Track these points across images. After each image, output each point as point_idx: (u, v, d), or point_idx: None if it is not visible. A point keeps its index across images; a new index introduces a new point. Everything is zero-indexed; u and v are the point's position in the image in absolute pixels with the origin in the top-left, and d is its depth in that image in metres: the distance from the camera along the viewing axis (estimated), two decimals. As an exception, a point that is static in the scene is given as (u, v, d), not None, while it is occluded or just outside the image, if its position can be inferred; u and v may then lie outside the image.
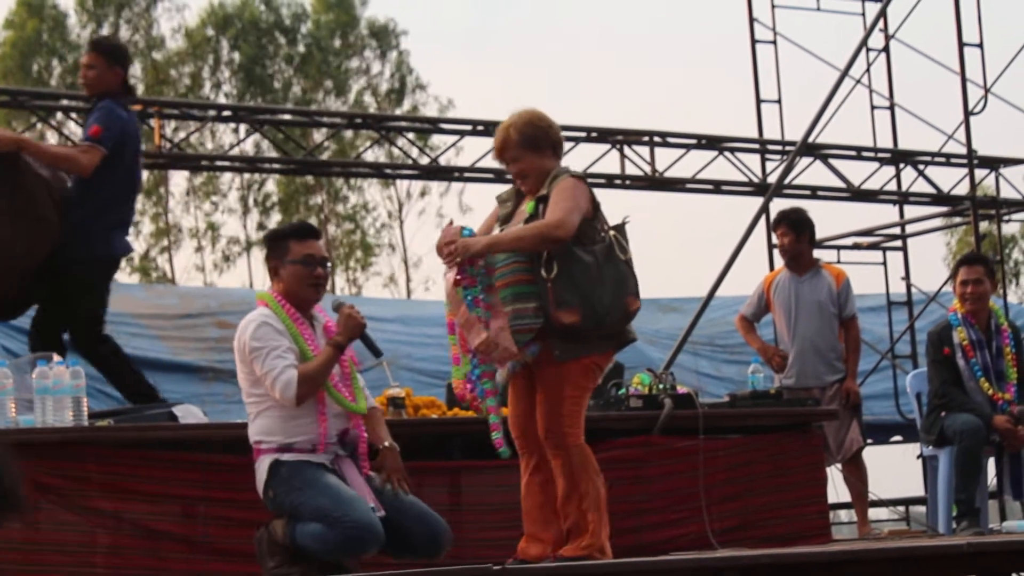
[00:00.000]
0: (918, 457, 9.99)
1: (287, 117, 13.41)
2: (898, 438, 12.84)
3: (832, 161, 12.90)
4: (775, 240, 9.08)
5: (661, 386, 6.99)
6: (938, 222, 13.73)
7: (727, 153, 12.64)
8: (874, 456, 11.43)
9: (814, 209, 9.06)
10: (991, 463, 8.18)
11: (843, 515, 14.66)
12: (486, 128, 11.50)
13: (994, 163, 13.30)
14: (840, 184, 12.94)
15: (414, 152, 13.37)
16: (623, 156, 12.32)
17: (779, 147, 12.61)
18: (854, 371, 8.69)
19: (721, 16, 53.72)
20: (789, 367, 8.60)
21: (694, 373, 12.00)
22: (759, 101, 12.58)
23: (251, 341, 5.37)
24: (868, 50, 12.40)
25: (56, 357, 5.88)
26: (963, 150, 12.24)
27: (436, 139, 20.69)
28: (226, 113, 13.00)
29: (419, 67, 35.83)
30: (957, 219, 13.86)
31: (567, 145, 12.13)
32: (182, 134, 12.41)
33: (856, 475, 8.61)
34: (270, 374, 5.30)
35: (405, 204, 34.43)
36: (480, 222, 5.84)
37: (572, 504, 5.49)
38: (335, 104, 34.08)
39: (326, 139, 19.11)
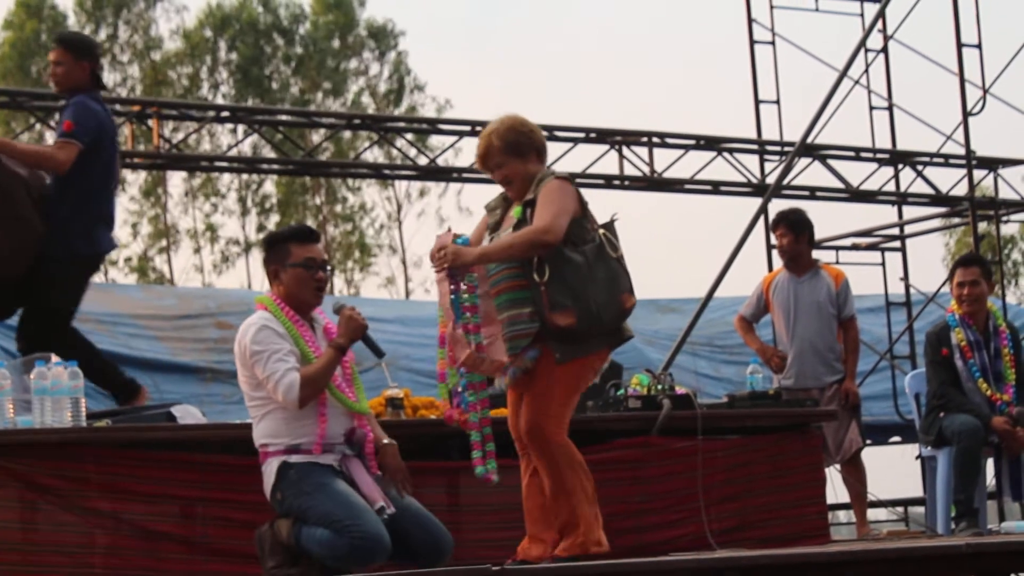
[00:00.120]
0: (917, 458, 9.99)
1: (285, 118, 13.40)
2: (897, 439, 12.85)
3: (831, 162, 12.90)
4: (774, 241, 9.08)
5: (660, 387, 6.99)
6: (937, 223, 13.74)
7: (726, 154, 12.64)
8: (873, 457, 11.44)
9: (813, 210, 9.07)
10: (990, 464, 8.18)
11: (842, 516, 14.67)
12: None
13: (993, 164, 13.30)
14: (839, 185, 12.94)
15: (412, 153, 13.37)
16: (622, 157, 12.32)
17: (778, 148, 12.61)
18: (853, 372, 8.69)
19: (720, 17, 53.79)
20: (788, 368, 8.60)
21: (693, 374, 12.00)
22: (758, 102, 12.58)
23: (252, 345, 5.36)
24: (867, 51, 12.41)
25: (54, 358, 5.87)
26: (962, 151, 12.25)
27: (435, 140, 20.72)
28: (224, 114, 13.00)
29: (417, 68, 35.93)
30: (956, 220, 13.85)
31: (566, 146, 12.17)
32: (180, 135, 12.40)
33: (855, 476, 8.62)
34: (272, 377, 5.30)
35: (404, 205, 34.44)
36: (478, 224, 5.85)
37: (561, 502, 5.48)
38: (333, 105, 34.08)
39: (324, 140, 19.08)
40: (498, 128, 5.64)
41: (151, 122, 11.38)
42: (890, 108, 12.90)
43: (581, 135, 12.22)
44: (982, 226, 14.66)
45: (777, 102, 12.55)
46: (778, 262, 9.17)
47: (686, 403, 6.90)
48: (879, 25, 12.43)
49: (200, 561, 5.83)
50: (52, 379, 5.72)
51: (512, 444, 5.63)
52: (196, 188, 33.59)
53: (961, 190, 12.89)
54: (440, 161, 12.48)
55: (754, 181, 12.62)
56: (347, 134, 30.82)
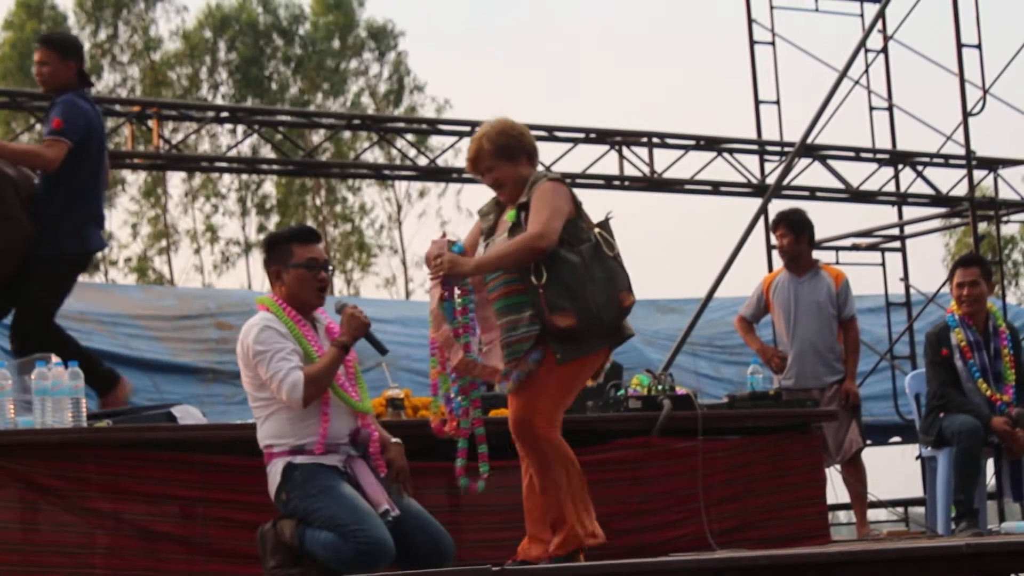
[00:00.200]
0: (917, 458, 9.99)
1: (285, 118, 13.40)
2: (897, 439, 12.85)
3: (831, 162, 12.90)
4: (774, 241, 9.09)
5: (660, 387, 7.00)
6: (937, 223, 13.74)
7: (726, 154, 12.64)
8: (873, 457, 11.44)
9: (813, 210, 9.08)
10: (990, 464, 8.18)
11: (842, 516, 14.67)
12: (485, 129, 11.49)
13: (993, 164, 13.30)
14: (839, 185, 12.94)
15: (412, 153, 13.36)
16: (622, 157, 12.32)
17: (778, 148, 12.61)
18: (853, 372, 8.69)
19: (720, 17, 53.80)
20: (788, 368, 8.60)
21: (693, 374, 12.00)
22: (758, 102, 12.58)
23: (255, 345, 5.36)
24: (867, 51, 12.41)
25: (55, 358, 5.87)
26: (962, 151, 12.25)
27: (434, 140, 20.71)
28: (224, 114, 13.00)
29: (417, 68, 35.88)
30: (956, 220, 13.85)
31: (566, 146, 12.17)
32: (180, 135, 12.40)
33: (855, 476, 8.62)
34: (276, 376, 5.30)
35: (404, 205, 34.43)
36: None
37: (550, 498, 5.48)
38: (333, 106, 34.07)
39: (324, 140, 19.10)
40: (488, 132, 5.63)
41: (151, 122, 11.38)
42: (890, 108, 12.90)
43: (581, 135, 12.22)
44: (982, 226, 14.67)
45: (777, 102, 12.55)
46: (778, 262, 9.18)
47: (686, 403, 6.91)
48: (879, 25, 12.44)
49: (200, 562, 5.83)
50: (53, 379, 5.73)
51: (513, 445, 5.63)
52: (196, 189, 33.58)
53: (961, 190, 12.89)
54: (440, 162, 12.48)
55: (754, 181, 12.62)
56: (347, 134, 30.82)
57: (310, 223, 31.14)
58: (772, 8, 12.54)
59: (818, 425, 7.50)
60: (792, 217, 8.84)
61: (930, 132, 12.72)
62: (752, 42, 12.60)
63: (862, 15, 12.90)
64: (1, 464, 5.56)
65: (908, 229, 13.20)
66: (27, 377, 5.95)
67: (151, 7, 33.77)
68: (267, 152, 27.39)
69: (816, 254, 9.12)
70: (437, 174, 12.95)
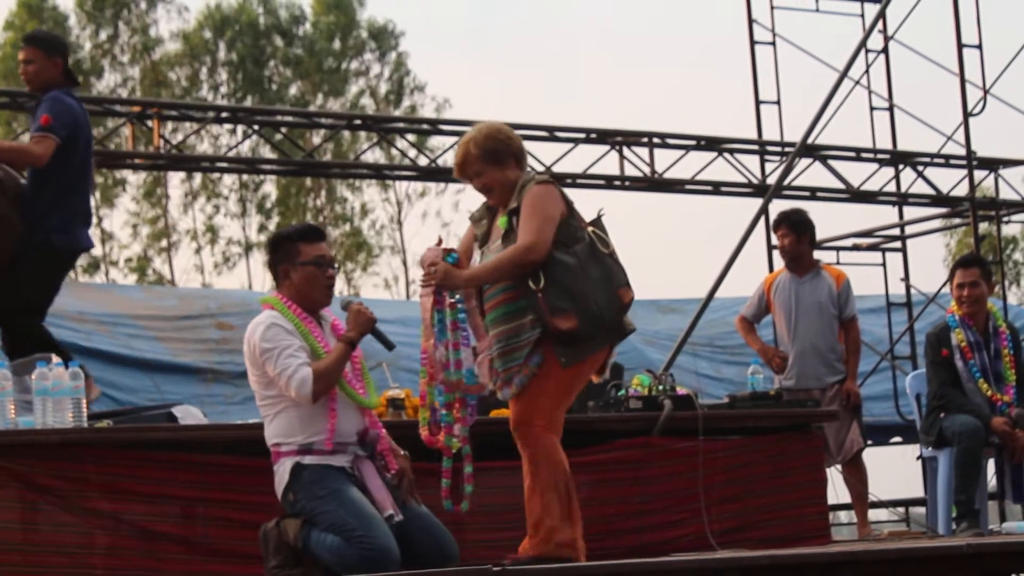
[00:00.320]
0: (918, 458, 10.00)
1: (286, 118, 13.40)
2: (898, 439, 12.85)
3: (831, 162, 12.91)
4: (775, 241, 9.08)
5: (661, 387, 6.99)
6: (937, 223, 13.74)
7: (726, 154, 12.65)
8: (874, 457, 11.44)
9: (813, 210, 9.07)
10: (991, 464, 8.18)
11: (843, 516, 14.68)
12: (485, 129, 11.49)
13: (993, 164, 13.31)
14: (839, 185, 12.94)
15: (412, 153, 13.38)
16: (622, 157, 12.33)
17: (778, 148, 12.62)
18: (854, 372, 8.69)
19: (720, 17, 53.78)
20: (789, 368, 8.60)
21: (694, 374, 12.00)
22: (758, 102, 12.58)
23: (261, 343, 5.36)
24: (867, 51, 12.41)
25: (55, 358, 5.87)
26: (962, 151, 12.25)
27: (435, 140, 20.70)
28: (224, 114, 13.01)
29: (417, 68, 35.84)
30: (956, 220, 13.86)
31: (566, 146, 12.17)
32: (180, 136, 12.41)
33: (856, 476, 8.62)
34: (284, 373, 5.30)
35: (404, 205, 34.43)
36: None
37: (534, 500, 5.46)
38: (333, 106, 34.07)
39: (325, 140, 19.10)
40: (475, 136, 5.62)
41: (151, 123, 11.38)
42: (891, 108, 12.90)
43: (582, 136, 12.23)
44: (983, 227, 14.68)
45: (778, 102, 12.55)
46: (779, 262, 9.17)
47: (687, 404, 6.91)
48: (879, 26, 12.44)
49: (200, 562, 5.83)
50: (53, 380, 5.73)
51: (514, 445, 5.63)
52: (196, 189, 33.58)
53: (962, 191, 12.90)
54: (440, 162, 12.48)
55: (755, 182, 12.62)
56: (347, 135, 30.82)
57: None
58: (773, 8, 12.54)
59: (819, 425, 7.49)
60: (793, 217, 8.84)
61: (931, 132, 12.74)
62: (753, 42, 12.60)
63: (863, 15, 12.90)
64: (1, 464, 5.56)
65: (909, 229, 13.21)
66: (28, 377, 5.95)
67: (152, 8, 33.77)
68: (267, 152, 27.41)
69: (817, 254, 9.13)
70: (437, 174, 12.95)
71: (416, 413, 6.60)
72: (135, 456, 5.79)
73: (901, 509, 13.23)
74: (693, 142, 12.55)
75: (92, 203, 7.23)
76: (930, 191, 13.18)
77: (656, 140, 12.42)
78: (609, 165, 12.52)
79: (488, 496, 6.10)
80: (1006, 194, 13.56)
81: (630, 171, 12.36)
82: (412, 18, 51.03)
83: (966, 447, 7.71)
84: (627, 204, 55.04)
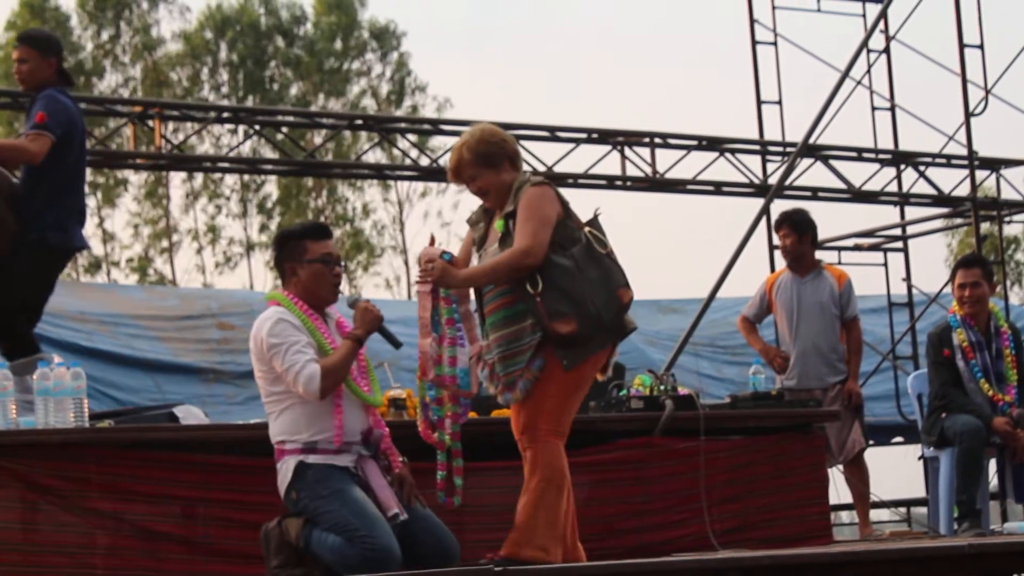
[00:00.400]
0: (919, 458, 10.00)
1: (287, 118, 13.40)
2: (899, 439, 12.86)
3: (833, 162, 12.91)
4: (777, 241, 9.08)
5: (662, 387, 6.99)
6: (939, 223, 13.75)
7: (728, 154, 12.65)
8: (875, 457, 11.44)
9: (815, 210, 9.08)
10: (992, 464, 8.18)
11: (844, 516, 14.68)
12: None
13: (995, 164, 13.31)
14: (841, 185, 12.95)
15: (414, 153, 13.39)
16: (624, 157, 12.33)
17: (780, 148, 12.62)
18: (856, 372, 8.68)
19: (722, 17, 53.76)
20: (791, 368, 8.60)
21: (695, 374, 12.01)
22: (760, 102, 12.58)
23: (269, 338, 5.35)
24: (869, 51, 12.41)
25: (57, 359, 5.87)
26: (964, 151, 12.25)
27: (436, 140, 20.71)
28: (226, 115, 13.01)
29: (418, 68, 35.81)
30: (958, 220, 13.86)
31: (568, 146, 12.17)
32: (180, 136, 12.40)
33: (858, 476, 8.61)
34: (292, 369, 5.29)
35: (405, 205, 34.44)
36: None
37: (524, 500, 5.44)
38: (334, 107, 34.06)
39: (326, 140, 19.10)
40: (468, 141, 5.61)
41: (152, 123, 11.38)
42: (892, 109, 12.91)
43: (583, 136, 12.24)
44: (984, 227, 14.67)
45: (779, 103, 12.56)
46: (780, 262, 9.17)
47: (688, 404, 6.90)
48: (881, 26, 12.44)
49: (201, 562, 5.83)
50: (55, 380, 5.73)
51: (514, 445, 5.62)
52: (198, 190, 33.57)
53: (963, 191, 12.90)
54: (442, 162, 12.49)
55: (756, 182, 12.62)
56: (348, 135, 30.81)
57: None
58: (774, 8, 12.54)
59: (820, 425, 7.49)
60: (795, 217, 8.84)
61: (932, 132, 12.74)
62: (754, 42, 12.60)
63: (864, 15, 12.90)
64: (2, 464, 5.56)
65: (910, 229, 13.21)
66: (29, 377, 5.95)
67: (154, 8, 33.79)
68: (268, 153, 27.41)
69: (818, 254, 9.12)
70: (439, 174, 12.94)
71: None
72: (136, 456, 5.79)
73: (903, 509, 13.23)
74: (694, 142, 12.55)
75: (86, 202, 7.22)
76: (932, 191, 13.18)
77: (657, 140, 12.42)
78: (611, 165, 12.53)
79: (488, 496, 6.10)
80: (1008, 194, 13.57)
81: (631, 171, 12.36)
82: (413, 18, 51.09)
83: (968, 447, 7.71)
84: (628, 204, 55.06)
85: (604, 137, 12.28)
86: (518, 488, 5.62)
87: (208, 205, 33.74)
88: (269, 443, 5.48)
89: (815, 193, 12.88)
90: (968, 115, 11.95)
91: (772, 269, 11.00)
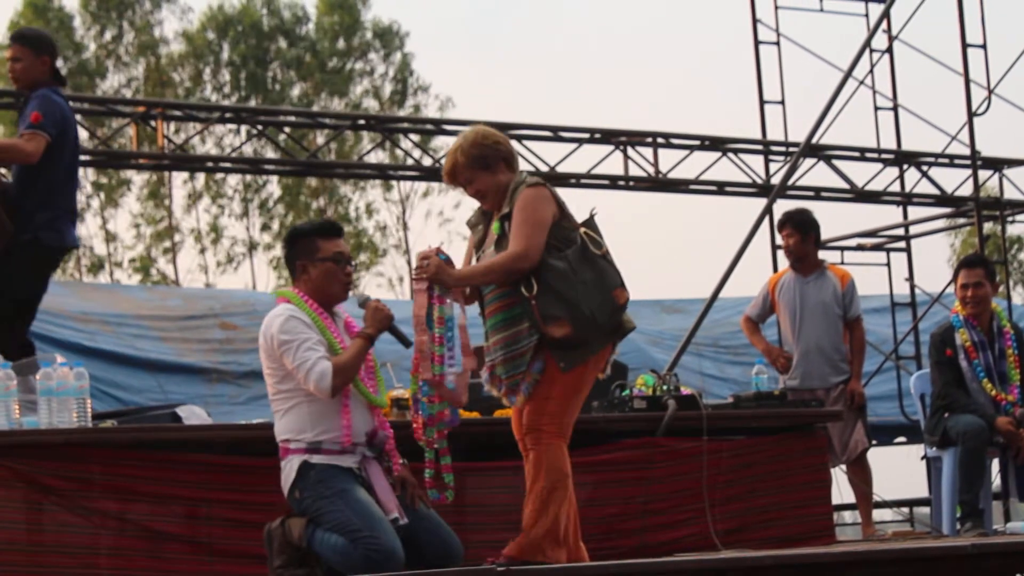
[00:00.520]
0: (922, 458, 9.98)
1: (290, 118, 13.41)
2: (902, 439, 12.85)
3: (835, 162, 12.90)
4: (780, 241, 9.08)
5: (665, 387, 6.99)
6: (942, 223, 13.73)
7: (730, 154, 12.64)
8: (878, 457, 11.43)
9: (817, 210, 9.07)
10: (995, 464, 8.18)
11: (847, 516, 14.66)
12: (489, 129, 11.50)
13: (998, 164, 13.30)
14: (844, 185, 12.94)
15: (416, 153, 13.39)
16: (626, 157, 12.32)
17: (782, 148, 12.61)
18: (859, 372, 8.68)
19: (724, 17, 53.73)
20: (794, 368, 8.60)
21: (698, 374, 12.01)
22: (762, 102, 12.58)
23: (280, 335, 5.35)
24: (871, 51, 12.41)
25: (60, 359, 5.87)
26: (967, 151, 12.25)
27: (438, 140, 20.72)
28: (228, 115, 13.02)
29: (420, 68, 35.79)
30: (961, 220, 13.85)
31: (571, 146, 12.17)
32: (183, 136, 12.40)
33: (861, 476, 8.61)
34: (303, 366, 5.29)
35: (407, 205, 34.43)
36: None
37: (528, 502, 5.45)
38: (337, 107, 34.05)
39: (328, 141, 19.09)
40: (462, 144, 5.61)
41: (155, 123, 11.38)
42: (895, 108, 12.90)
43: (586, 136, 12.23)
44: (987, 226, 14.66)
45: (782, 102, 12.55)
46: (783, 262, 9.17)
47: (691, 404, 6.90)
48: (884, 25, 12.43)
49: (204, 562, 5.83)
50: (58, 380, 5.73)
51: (515, 444, 5.62)
52: (200, 190, 33.57)
53: (966, 190, 12.89)
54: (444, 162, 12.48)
55: (759, 182, 12.62)
56: (350, 136, 30.80)
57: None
58: (776, 8, 12.54)
59: (823, 425, 7.49)
60: (798, 217, 8.83)
61: (935, 132, 12.73)
62: (757, 42, 12.60)
63: (867, 15, 12.89)
64: (6, 464, 5.57)
65: (913, 229, 13.20)
66: (32, 377, 5.95)
67: (156, 8, 33.80)
68: (270, 153, 27.40)
69: (821, 254, 9.12)
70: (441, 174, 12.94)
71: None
72: (139, 456, 5.79)
73: (905, 509, 13.23)
74: (697, 142, 12.54)
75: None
76: (934, 191, 13.17)
77: (660, 140, 12.42)
78: (613, 165, 12.52)
79: (490, 496, 6.11)
80: (1010, 194, 13.56)
81: (634, 171, 12.35)
82: (415, 18, 51.09)
83: (970, 447, 7.71)
84: (631, 204, 55.00)
85: (607, 137, 12.28)
86: (519, 488, 5.62)
87: (212, 206, 33.76)
88: (272, 443, 5.48)
89: (818, 193, 12.88)
90: (971, 115, 11.95)
91: (775, 269, 11.00)
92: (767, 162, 12.69)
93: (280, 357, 5.35)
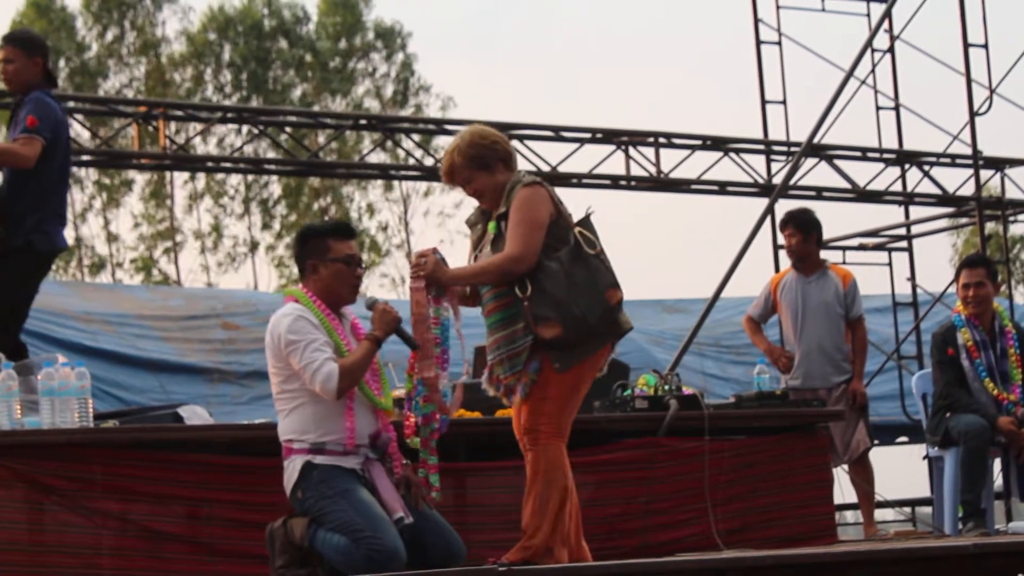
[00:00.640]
0: (924, 458, 9.99)
1: (291, 118, 13.41)
2: (904, 439, 12.84)
3: (837, 162, 12.90)
4: (782, 241, 9.08)
5: (666, 387, 6.99)
6: (943, 223, 13.73)
7: (732, 154, 12.64)
8: (880, 457, 11.43)
9: (819, 210, 9.06)
10: (997, 464, 8.17)
11: (849, 516, 14.67)
12: (491, 129, 11.50)
13: (999, 164, 13.30)
14: (845, 185, 12.94)
15: (418, 153, 13.40)
16: (628, 157, 12.32)
17: (784, 148, 12.61)
18: (861, 372, 8.68)
19: (725, 17, 53.68)
20: (795, 368, 8.59)
21: (700, 374, 12.00)
22: (764, 102, 12.57)
23: (287, 334, 5.34)
24: (873, 51, 12.41)
25: (61, 358, 5.87)
26: (968, 151, 12.24)
27: (440, 140, 20.68)
28: (230, 115, 13.02)
29: (421, 69, 35.76)
30: (963, 220, 13.85)
31: (572, 146, 12.16)
32: (184, 136, 12.40)
33: (863, 476, 8.60)
34: (310, 367, 5.28)
35: (410, 204, 34.43)
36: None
37: (527, 504, 5.45)
38: (339, 107, 34.04)
39: (330, 141, 19.09)
40: (459, 144, 5.60)
41: (156, 123, 11.38)
42: (896, 108, 12.90)
43: (587, 136, 12.23)
44: (989, 226, 14.66)
45: (783, 102, 12.54)
46: (785, 262, 9.16)
47: (693, 403, 6.90)
48: (885, 25, 12.42)
49: (206, 562, 5.83)
50: (59, 380, 5.73)
51: (515, 444, 5.62)
52: (201, 191, 33.57)
53: (968, 190, 12.89)
54: (446, 161, 12.47)
55: (760, 181, 12.62)
56: (352, 136, 30.80)
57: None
58: (778, 8, 12.53)
59: (825, 425, 7.49)
60: (801, 217, 8.83)
61: (937, 132, 12.73)
62: (758, 42, 12.60)
63: (868, 15, 12.89)
64: (7, 464, 5.57)
65: (915, 229, 13.20)
66: (33, 378, 5.95)
67: (158, 8, 33.80)
68: (271, 153, 27.40)
69: (823, 254, 9.11)
70: (443, 174, 12.94)
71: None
72: (141, 456, 5.79)
73: (907, 509, 13.23)
74: (699, 142, 12.54)
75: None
76: (936, 191, 13.17)
77: (662, 140, 12.41)
78: (615, 165, 12.52)
79: (491, 496, 6.10)
80: (1012, 193, 13.55)
81: (636, 171, 12.35)
82: (416, 19, 51.08)
83: (972, 447, 7.71)
84: (633, 204, 55.05)
85: (608, 137, 12.28)
86: (521, 488, 5.62)
87: (213, 206, 33.75)
88: (274, 443, 5.48)
89: (819, 193, 12.87)
90: (972, 114, 11.94)
91: (777, 269, 11.00)
92: (769, 162, 12.69)
93: (287, 357, 5.35)
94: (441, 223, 34.20)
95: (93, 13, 33.16)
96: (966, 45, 11.97)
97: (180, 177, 32.58)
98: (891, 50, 12.76)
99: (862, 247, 12.88)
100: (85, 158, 12.42)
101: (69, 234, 31.37)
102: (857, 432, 8.50)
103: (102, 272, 32.32)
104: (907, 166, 13.09)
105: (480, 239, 5.63)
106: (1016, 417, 7.86)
